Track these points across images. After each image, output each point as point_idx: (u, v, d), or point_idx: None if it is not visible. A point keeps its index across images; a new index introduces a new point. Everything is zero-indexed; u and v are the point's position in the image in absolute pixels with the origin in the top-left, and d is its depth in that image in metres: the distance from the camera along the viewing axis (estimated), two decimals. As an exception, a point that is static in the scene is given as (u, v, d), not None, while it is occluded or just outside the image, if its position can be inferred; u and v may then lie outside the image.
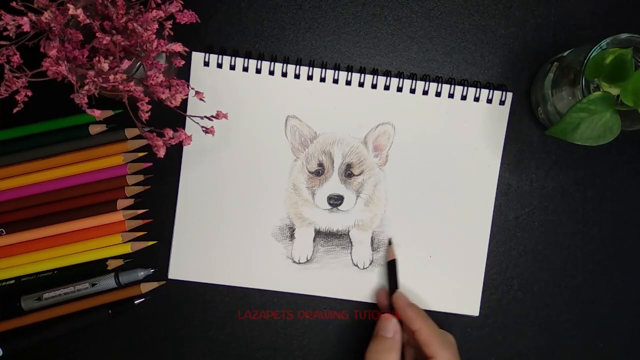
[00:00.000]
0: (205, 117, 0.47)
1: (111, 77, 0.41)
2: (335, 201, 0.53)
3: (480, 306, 0.54)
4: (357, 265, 0.54)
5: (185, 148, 0.53)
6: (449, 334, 0.50)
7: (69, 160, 0.51)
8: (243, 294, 0.54)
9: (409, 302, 0.50)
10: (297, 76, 0.53)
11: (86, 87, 0.41)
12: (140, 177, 0.53)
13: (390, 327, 0.49)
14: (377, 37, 0.53)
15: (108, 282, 0.52)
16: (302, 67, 0.53)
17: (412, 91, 0.53)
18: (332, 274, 0.54)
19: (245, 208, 0.53)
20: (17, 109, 0.41)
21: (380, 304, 0.53)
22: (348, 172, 0.53)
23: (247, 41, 0.53)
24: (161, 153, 0.44)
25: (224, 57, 0.52)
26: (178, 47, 0.43)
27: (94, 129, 0.52)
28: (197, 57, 0.52)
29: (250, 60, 0.53)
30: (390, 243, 0.54)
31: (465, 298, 0.54)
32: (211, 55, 0.52)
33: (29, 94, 0.41)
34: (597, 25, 0.53)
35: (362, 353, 0.54)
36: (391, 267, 0.53)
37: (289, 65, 0.53)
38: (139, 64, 0.44)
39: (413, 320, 0.48)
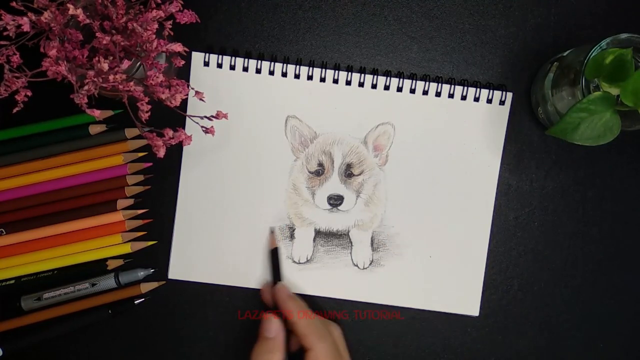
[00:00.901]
0: (205, 117, 0.47)
1: (111, 77, 0.41)
2: (335, 201, 0.53)
3: (480, 306, 0.54)
4: (357, 265, 0.54)
5: (185, 148, 0.53)
6: (333, 324, 0.50)
7: (69, 160, 0.51)
8: (243, 294, 0.54)
9: (289, 294, 0.50)
10: (297, 76, 0.53)
11: (86, 87, 0.41)
12: (140, 177, 0.53)
13: (272, 327, 0.48)
14: (377, 37, 0.53)
15: (108, 282, 0.52)
16: (302, 67, 0.53)
17: (412, 91, 0.53)
18: (332, 274, 0.54)
19: (245, 208, 0.53)
20: (17, 109, 0.41)
21: (264, 300, 0.52)
22: (348, 172, 0.53)
23: (247, 41, 0.53)
24: (161, 153, 0.44)
25: (224, 57, 0.52)
26: (178, 47, 0.43)
27: (94, 129, 0.52)
28: (197, 57, 0.52)
29: (250, 60, 0.53)
30: (271, 232, 0.53)
31: (465, 298, 0.54)
32: (211, 55, 0.52)
33: (29, 94, 0.41)
34: (597, 25, 0.53)
35: (362, 353, 0.54)
36: (274, 256, 0.52)
37: (289, 65, 0.53)
38: (139, 64, 0.44)
39: (291, 313, 0.48)
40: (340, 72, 0.53)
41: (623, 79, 0.42)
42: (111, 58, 0.41)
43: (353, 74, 0.53)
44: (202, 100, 0.47)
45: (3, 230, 0.51)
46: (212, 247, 0.53)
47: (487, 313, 0.54)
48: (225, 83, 0.53)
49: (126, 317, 0.53)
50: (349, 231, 0.54)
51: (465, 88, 0.53)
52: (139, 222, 0.53)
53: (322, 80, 0.53)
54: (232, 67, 0.53)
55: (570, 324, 0.55)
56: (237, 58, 0.52)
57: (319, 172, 0.53)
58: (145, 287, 0.53)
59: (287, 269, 0.54)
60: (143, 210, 0.53)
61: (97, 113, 0.42)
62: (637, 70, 0.42)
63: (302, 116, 0.53)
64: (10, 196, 0.52)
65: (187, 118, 0.50)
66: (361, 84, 0.53)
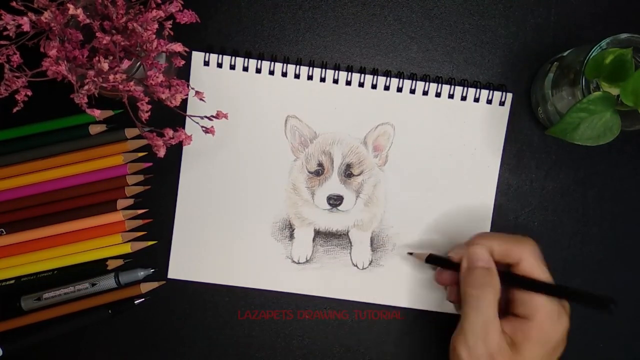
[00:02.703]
0: (205, 117, 0.47)
1: (111, 77, 0.41)
2: (335, 201, 0.53)
3: (480, 306, 0.54)
4: (356, 266, 0.54)
5: (185, 148, 0.53)
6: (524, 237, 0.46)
7: (69, 160, 0.51)
8: (243, 294, 0.54)
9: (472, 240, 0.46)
10: (297, 76, 0.53)
11: (86, 87, 0.41)
12: (140, 177, 0.53)
13: (484, 256, 0.43)
14: (377, 37, 0.53)
15: (108, 282, 0.52)
16: (302, 67, 0.53)
17: (412, 91, 0.53)
18: (332, 274, 0.54)
19: (244, 208, 0.53)
20: (17, 108, 0.41)
21: (441, 281, 0.49)
22: (348, 172, 0.53)
23: (247, 41, 0.53)
24: (161, 153, 0.44)
25: (224, 56, 0.52)
26: (178, 47, 0.43)
27: (94, 129, 0.52)
28: (197, 57, 0.52)
29: (250, 60, 0.53)
30: (409, 253, 0.53)
31: (465, 298, 0.54)
32: (211, 54, 0.52)
33: (29, 93, 0.41)
34: (597, 25, 0.53)
35: (362, 353, 0.54)
36: (434, 259, 0.50)
37: (289, 65, 0.53)
38: (139, 64, 0.44)
39: (487, 241, 0.44)
40: (340, 72, 0.53)
41: (623, 79, 0.42)
42: (111, 58, 0.41)
43: (353, 74, 0.53)
44: (202, 100, 0.47)
45: (3, 230, 0.51)
46: (212, 247, 0.53)
47: (487, 313, 0.54)
48: (225, 83, 0.53)
49: (126, 317, 0.53)
50: (348, 231, 0.54)
51: (465, 88, 0.53)
52: (139, 222, 0.53)
53: (322, 80, 0.53)
54: (232, 67, 0.53)
55: (570, 323, 0.54)
56: (237, 58, 0.52)
57: (319, 172, 0.53)
58: (145, 287, 0.53)
59: (287, 269, 0.54)
60: (143, 210, 0.53)
61: (97, 113, 0.42)
62: (637, 70, 0.42)
63: (302, 116, 0.53)
64: (10, 196, 0.52)
65: (187, 118, 0.50)
66: (361, 84, 0.53)
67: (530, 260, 0.44)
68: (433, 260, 0.50)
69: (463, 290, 0.44)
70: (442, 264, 0.49)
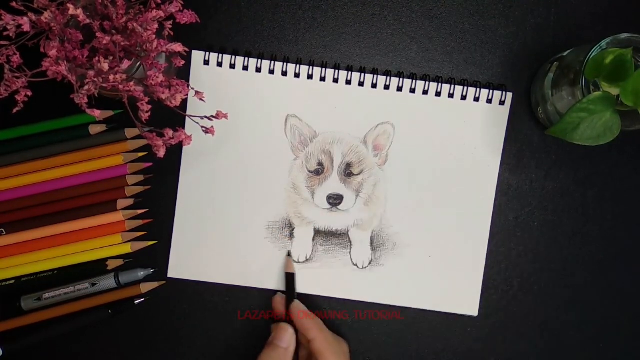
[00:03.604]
0: (205, 117, 0.47)
1: (111, 77, 0.40)
2: (335, 200, 0.53)
3: (480, 306, 0.54)
4: (356, 265, 0.54)
5: (185, 148, 0.53)
6: (344, 342, 0.51)
7: (69, 160, 0.51)
8: (243, 294, 0.54)
9: (306, 312, 0.51)
10: (297, 75, 0.53)
11: (86, 87, 0.41)
12: (140, 177, 0.53)
13: (286, 337, 0.49)
14: (377, 37, 0.53)
15: (108, 282, 0.52)
16: (302, 66, 0.53)
17: (412, 91, 0.53)
18: (332, 273, 0.54)
19: (244, 207, 0.53)
20: (17, 109, 0.41)
21: (275, 310, 0.53)
22: (348, 172, 0.53)
23: (247, 41, 0.53)
24: (161, 153, 0.44)
25: (224, 55, 0.52)
26: (178, 47, 0.43)
27: (94, 129, 0.52)
28: (197, 56, 0.52)
29: (251, 59, 0.53)
30: (289, 255, 0.54)
31: (464, 298, 0.54)
32: (211, 54, 0.52)
33: (29, 94, 0.41)
34: (597, 25, 0.53)
35: (362, 353, 0.54)
36: (289, 279, 0.53)
37: (289, 64, 0.53)
38: (139, 64, 0.44)
39: (309, 330, 0.49)
40: (340, 72, 0.53)
41: (623, 79, 0.42)
42: (111, 58, 0.41)
43: (353, 73, 0.53)
44: (202, 101, 0.47)
45: (3, 230, 0.51)
46: (212, 247, 0.53)
47: (486, 313, 0.54)
48: (225, 82, 0.53)
49: (126, 317, 0.53)
50: (348, 230, 0.54)
51: (465, 88, 0.53)
52: (139, 222, 0.53)
53: (322, 79, 0.53)
54: (232, 66, 0.53)
55: (570, 324, 0.55)
56: (237, 57, 0.52)
57: (319, 171, 0.53)
58: (145, 287, 0.53)
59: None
60: (143, 210, 0.53)
61: (97, 113, 0.42)
62: (637, 70, 0.42)
63: (302, 115, 0.53)
64: (10, 196, 0.52)
65: (187, 118, 0.50)
66: (361, 84, 0.53)
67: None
68: (288, 280, 0.53)
69: (260, 356, 0.49)
70: (287, 291, 0.53)
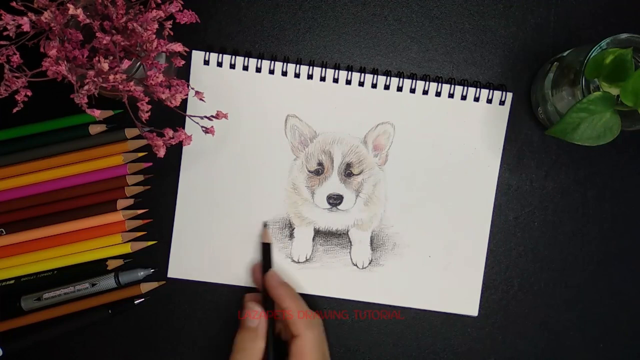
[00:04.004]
0: (205, 117, 0.47)
1: (111, 77, 0.40)
2: (335, 200, 0.53)
3: (480, 306, 0.54)
4: (356, 265, 0.54)
5: (185, 148, 0.53)
6: (317, 315, 0.50)
7: (69, 160, 0.51)
8: (243, 294, 0.54)
9: (281, 281, 0.51)
10: (297, 75, 0.53)
11: (86, 87, 0.41)
12: (140, 177, 0.53)
13: (254, 316, 0.49)
14: (377, 37, 0.53)
15: (108, 282, 0.52)
16: (302, 66, 0.53)
17: (412, 91, 0.53)
18: (331, 273, 0.54)
19: (244, 207, 0.53)
20: (17, 109, 0.41)
21: (254, 280, 0.53)
22: (348, 172, 0.53)
23: (247, 41, 0.53)
24: (161, 153, 0.44)
25: (224, 55, 0.52)
26: (178, 47, 0.43)
27: (94, 129, 0.52)
28: (197, 56, 0.52)
29: (251, 59, 0.53)
30: (265, 226, 0.53)
31: (464, 298, 0.54)
32: (211, 53, 0.52)
33: (29, 94, 0.41)
34: (597, 25, 0.53)
35: (362, 353, 0.54)
36: (265, 249, 0.53)
37: (289, 64, 0.53)
38: (139, 64, 0.44)
39: (283, 299, 0.49)
40: (340, 72, 0.53)
41: (623, 79, 0.42)
42: (111, 58, 0.41)
43: (353, 73, 0.53)
44: (202, 101, 0.47)
45: (3, 230, 0.51)
46: (212, 247, 0.53)
47: (486, 313, 0.54)
48: (225, 82, 0.53)
49: (126, 317, 0.53)
50: (348, 230, 0.54)
51: (465, 88, 0.53)
52: (139, 222, 0.53)
53: (322, 79, 0.53)
54: (232, 66, 0.53)
55: (570, 324, 0.55)
56: (237, 57, 0.52)
57: (319, 171, 0.53)
58: (145, 287, 0.53)
59: (287, 268, 0.54)
60: (143, 210, 0.53)
61: (97, 113, 0.42)
62: (637, 70, 0.42)
63: (302, 115, 0.53)
64: (10, 196, 0.52)
65: (187, 118, 0.50)
66: (361, 84, 0.53)
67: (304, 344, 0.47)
68: (264, 250, 0.53)
69: (235, 344, 0.48)
70: (263, 260, 0.53)
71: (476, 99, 0.53)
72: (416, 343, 0.54)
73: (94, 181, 0.52)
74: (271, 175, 0.53)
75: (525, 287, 0.54)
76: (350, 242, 0.54)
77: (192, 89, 0.47)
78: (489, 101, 0.53)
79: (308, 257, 0.54)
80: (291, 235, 0.54)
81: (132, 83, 0.41)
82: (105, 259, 0.52)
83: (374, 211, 0.54)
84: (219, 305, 0.54)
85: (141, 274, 0.53)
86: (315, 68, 0.53)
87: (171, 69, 0.50)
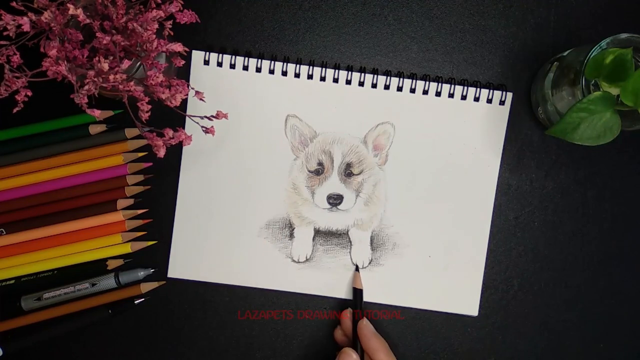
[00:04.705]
0: (205, 117, 0.47)
1: (111, 77, 0.40)
2: (335, 200, 0.53)
3: (480, 306, 0.54)
4: (356, 265, 0.54)
5: (185, 148, 0.53)
6: None
7: (69, 160, 0.51)
8: (243, 294, 0.54)
9: (374, 332, 0.51)
10: (297, 75, 0.53)
11: (86, 87, 0.41)
12: (140, 177, 0.53)
13: None
14: (377, 37, 0.53)
15: (108, 282, 0.52)
16: (302, 66, 0.53)
17: (412, 91, 0.53)
18: (332, 273, 0.54)
19: (244, 207, 0.53)
20: (17, 109, 0.41)
21: (342, 323, 0.53)
22: (348, 172, 0.53)
23: (247, 41, 0.53)
24: (161, 153, 0.44)
25: (224, 55, 0.52)
26: (178, 47, 0.43)
27: (94, 129, 0.52)
28: (197, 56, 0.52)
29: (251, 59, 0.53)
30: (357, 269, 0.53)
31: (464, 298, 0.54)
32: (211, 53, 0.52)
33: (29, 94, 0.41)
34: (597, 25, 0.53)
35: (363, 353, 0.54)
36: (357, 295, 0.53)
37: (289, 64, 0.53)
38: (139, 64, 0.44)
39: (377, 353, 0.49)
40: (340, 72, 0.53)
41: (623, 79, 0.42)
42: (111, 58, 0.41)
43: (353, 73, 0.53)
44: (202, 100, 0.47)
45: (3, 230, 0.51)
46: (212, 247, 0.53)
47: (486, 313, 0.54)
48: (225, 82, 0.53)
49: (126, 317, 0.53)
50: (348, 230, 0.54)
51: (465, 88, 0.53)
52: (139, 222, 0.53)
53: (322, 79, 0.53)
54: (232, 66, 0.53)
55: (570, 324, 0.55)
56: (237, 57, 0.52)
57: (319, 171, 0.53)
58: (145, 287, 0.53)
59: (287, 268, 0.54)
60: (143, 210, 0.53)
61: (97, 113, 0.42)
62: (637, 70, 0.42)
63: (302, 115, 0.53)
64: (10, 196, 0.52)
65: (187, 118, 0.50)
66: (361, 84, 0.53)
67: None
68: (356, 295, 0.53)
69: None
70: (354, 307, 0.53)
71: (476, 99, 0.53)
72: (416, 343, 0.54)
73: (94, 181, 0.52)
74: (271, 175, 0.53)
75: (525, 287, 0.54)
76: (351, 242, 0.54)
77: (192, 89, 0.47)
78: (489, 101, 0.53)
79: (308, 257, 0.54)
80: (291, 235, 0.54)
81: (132, 83, 0.41)
82: (105, 259, 0.52)
83: (374, 211, 0.54)
84: (219, 305, 0.54)
85: (141, 274, 0.53)
86: (315, 68, 0.53)
87: (171, 69, 0.50)
